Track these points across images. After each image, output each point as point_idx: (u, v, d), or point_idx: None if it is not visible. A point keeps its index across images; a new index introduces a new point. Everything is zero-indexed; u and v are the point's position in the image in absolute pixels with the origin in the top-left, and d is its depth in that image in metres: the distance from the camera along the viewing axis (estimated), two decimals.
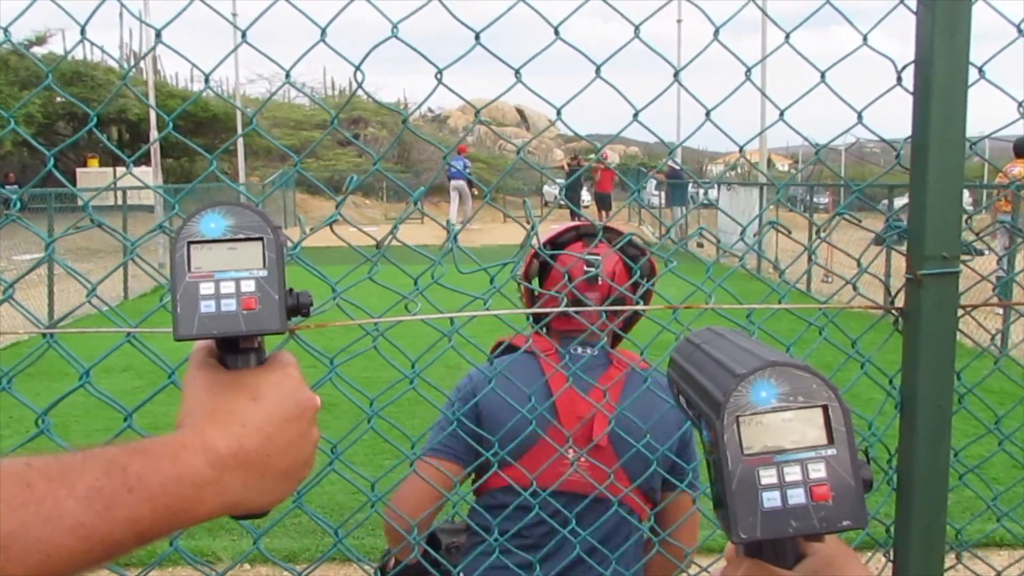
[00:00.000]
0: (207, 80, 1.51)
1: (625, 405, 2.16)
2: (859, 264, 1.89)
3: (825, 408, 0.78)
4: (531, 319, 2.36)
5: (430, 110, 51.78)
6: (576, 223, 2.39)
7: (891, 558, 1.79)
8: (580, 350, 2.29)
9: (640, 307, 2.25)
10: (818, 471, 0.77)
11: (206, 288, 0.99)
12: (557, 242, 2.38)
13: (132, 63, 36.33)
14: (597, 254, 2.31)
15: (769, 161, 26.77)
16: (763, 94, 1.78)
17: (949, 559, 1.81)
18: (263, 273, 1.00)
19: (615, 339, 2.44)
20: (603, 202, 31.24)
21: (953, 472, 1.78)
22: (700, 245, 18.57)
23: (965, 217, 1.76)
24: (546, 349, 2.30)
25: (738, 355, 0.82)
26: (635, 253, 2.35)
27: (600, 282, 2.31)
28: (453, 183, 27.96)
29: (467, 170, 29.57)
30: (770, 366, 0.77)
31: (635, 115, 1.71)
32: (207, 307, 0.98)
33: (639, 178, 30.96)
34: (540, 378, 2.25)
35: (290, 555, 5.42)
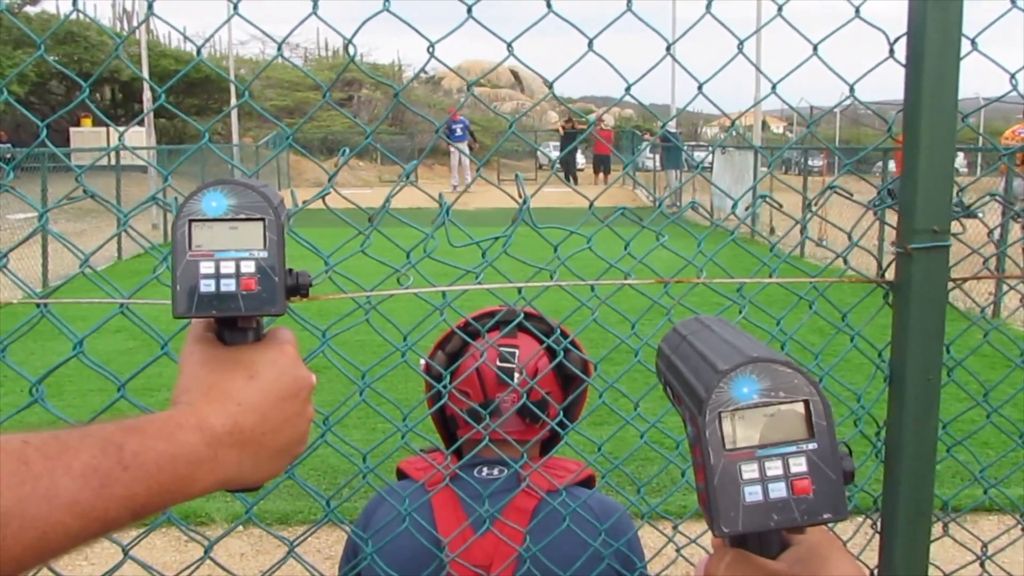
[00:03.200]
0: (199, 52, 1.51)
1: (535, 544, 1.76)
2: (850, 238, 1.89)
3: (806, 403, 0.78)
4: (441, 429, 2.04)
5: (424, 72, 51.50)
6: (493, 309, 1.92)
7: (878, 529, 1.81)
8: (487, 471, 1.88)
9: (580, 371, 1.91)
10: (799, 465, 0.78)
11: (206, 267, 0.99)
12: (468, 329, 1.93)
13: (124, 25, 36.05)
14: (514, 345, 1.91)
15: (764, 123, 26.69)
16: (756, 68, 1.78)
17: (937, 529, 1.83)
18: (263, 254, 1.00)
19: (547, 444, 2.04)
20: (601, 164, 31.40)
21: (941, 444, 1.79)
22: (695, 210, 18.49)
23: (956, 190, 1.76)
24: (437, 479, 1.85)
25: (721, 349, 0.82)
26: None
27: (516, 380, 1.88)
28: (456, 146, 28.11)
29: (466, 131, 29.75)
30: (751, 362, 0.78)
31: (627, 89, 1.70)
32: (207, 286, 0.99)
33: (633, 140, 30.95)
34: (428, 519, 1.81)
35: (283, 517, 5.46)
